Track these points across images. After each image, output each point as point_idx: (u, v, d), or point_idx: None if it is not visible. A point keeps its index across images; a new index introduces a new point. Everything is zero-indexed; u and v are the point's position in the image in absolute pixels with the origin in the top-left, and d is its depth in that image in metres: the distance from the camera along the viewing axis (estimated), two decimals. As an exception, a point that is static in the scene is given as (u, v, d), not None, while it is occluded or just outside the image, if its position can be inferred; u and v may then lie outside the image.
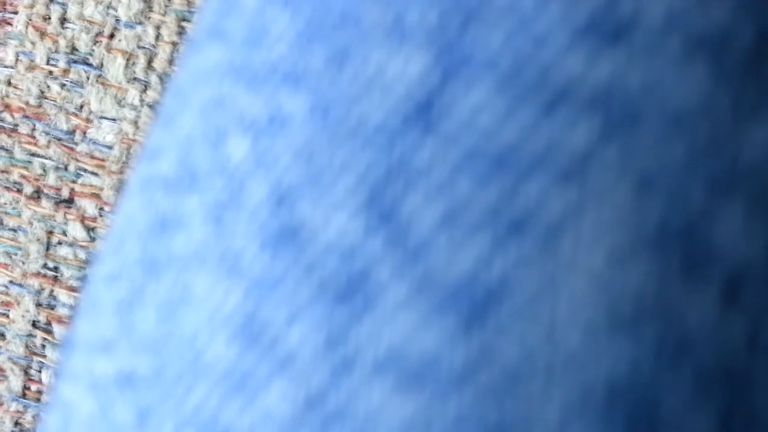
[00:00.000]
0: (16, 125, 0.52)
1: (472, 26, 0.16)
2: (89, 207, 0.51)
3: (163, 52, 0.52)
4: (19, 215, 0.51)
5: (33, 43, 0.53)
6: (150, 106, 0.51)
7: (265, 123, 0.17)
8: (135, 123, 0.51)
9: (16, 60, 0.53)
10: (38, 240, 0.51)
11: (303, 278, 0.16)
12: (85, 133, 0.52)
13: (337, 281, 0.15)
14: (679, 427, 0.14)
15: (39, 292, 0.51)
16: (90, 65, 0.52)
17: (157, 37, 0.52)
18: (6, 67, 0.52)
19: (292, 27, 0.18)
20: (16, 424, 0.50)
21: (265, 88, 0.18)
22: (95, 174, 0.51)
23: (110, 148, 0.51)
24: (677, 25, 0.15)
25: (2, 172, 0.52)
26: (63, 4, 0.53)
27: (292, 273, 0.16)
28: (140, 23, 0.52)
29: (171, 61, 0.52)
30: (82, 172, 0.51)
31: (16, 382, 0.50)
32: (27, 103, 0.52)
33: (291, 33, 0.18)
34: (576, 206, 0.14)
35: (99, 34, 0.52)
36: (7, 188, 0.51)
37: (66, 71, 0.52)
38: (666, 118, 0.14)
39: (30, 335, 0.50)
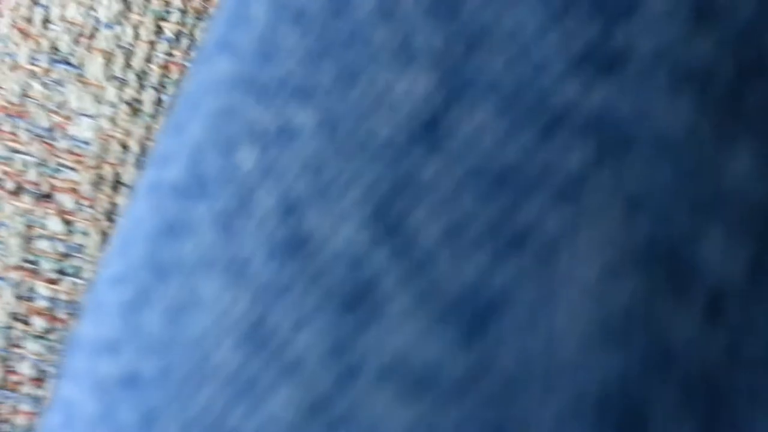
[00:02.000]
0: (-1, 123, 0.53)
1: (476, 52, 0.17)
2: (67, 201, 0.52)
3: (140, 51, 0.53)
4: (1, 210, 0.52)
5: (17, 44, 0.54)
6: (128, 103, 0.52)
7: (274, 135, 0.18)
8: (113, 120, 0.52)
9: (1, 61, 0.54)
10: (19, 234, 0.52)
11: (310, 287, 0.16)
12: (64, 129, 0.53)
13: (343, 290, 0.16)
14: None
15: (19, 284, 0.52)
16: (71, 65, 0.54)
17: (136, 36, 0.53)
18: (-10, 67, 0.54)
19: (302, 44, 0.18)
20: (-4, 414, 0.50)
21: (275, 101, 0.18)
22: (73, 169, 0.52)
23: (88, 144, 0.52)
24: (665, 59, 0.15)
25: (-15, 168, 0.53)
26: (46, 7, 0.54)
27: (300, 281, 0.16)
28: (119, 23, 0.53)
29: (148, 60, 0.53)
30: (62, 168, 0.52)
31: (-5, 372, 0.50)
32: (10, 102, 0.53)
33: (301, 49, 0.18)
34: (571, 224, 0.15)
35: (80, 34, 0.54)
36: (-11, 183, 0.53)
37: (48, 71, 0.54)
38: (654, 144, 0.15)
39: (9, 327, 0.51)
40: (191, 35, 0.52)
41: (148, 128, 0.52)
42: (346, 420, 0.15)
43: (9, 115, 0.53)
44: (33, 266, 0.52)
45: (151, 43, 0.53)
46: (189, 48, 0.52)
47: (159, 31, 0.53)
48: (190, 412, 0.17)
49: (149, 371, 0.18)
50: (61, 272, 0.52)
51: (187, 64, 0.52)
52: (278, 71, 0.18)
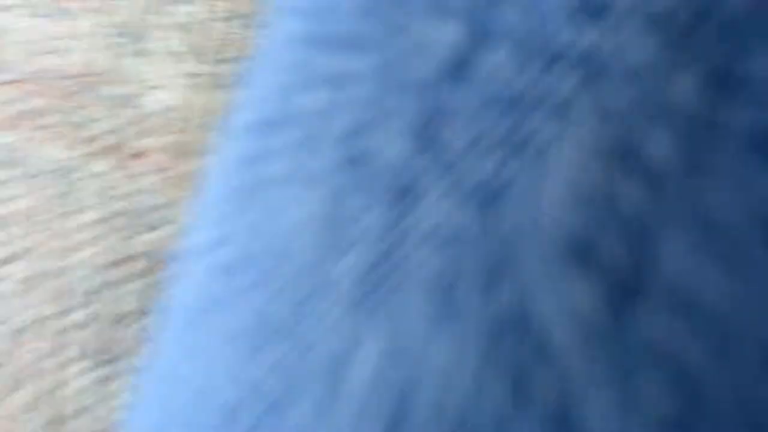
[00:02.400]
0: None
1: (496, 6, 0.21)
2: (147, 167, 0.55)
3: (215, 29, 0.56)
4: (82, 173, 0.55)
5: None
6: (199, 76, 0.55)
7: (336, 79, 0.22)
8: (193, 89, 0.55)
9: (86, 34, 0.57)
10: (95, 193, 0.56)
11: (369, 187, 0.21)
12: (140, 99, 0.56)
13: (393, 187, 0.21)
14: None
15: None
16: (138, 38, 0.56)
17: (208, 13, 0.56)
18: None
19: (355, 3, 0.23)
20: None
21: (336, 52, 0.23)
22: (152, 137, 0.55)
23: (164, 113, 0.55)
24: (640, 9, 0.20)
25: None
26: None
27: (361, 184, 0.21)
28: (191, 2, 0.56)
29: (219, 36, 0.55)
30: (141, 137, 0.56)
31: None
32: (89, 72, 0.56)
33: (355, 8, 0.23)
34: (560, 133, 0.20)
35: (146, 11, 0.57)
36: None
37: (118, 44, 0.56)
38: (625, 73, 0.20)
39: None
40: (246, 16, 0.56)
41: (223, 101, 0.55)
42: (398, 267, 0.20)
43: (86, 84, 0.56)
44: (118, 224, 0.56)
45: (227, 20, 0.56)
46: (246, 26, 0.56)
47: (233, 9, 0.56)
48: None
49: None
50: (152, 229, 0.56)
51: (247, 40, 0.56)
52: (337, 27, 0.23)
